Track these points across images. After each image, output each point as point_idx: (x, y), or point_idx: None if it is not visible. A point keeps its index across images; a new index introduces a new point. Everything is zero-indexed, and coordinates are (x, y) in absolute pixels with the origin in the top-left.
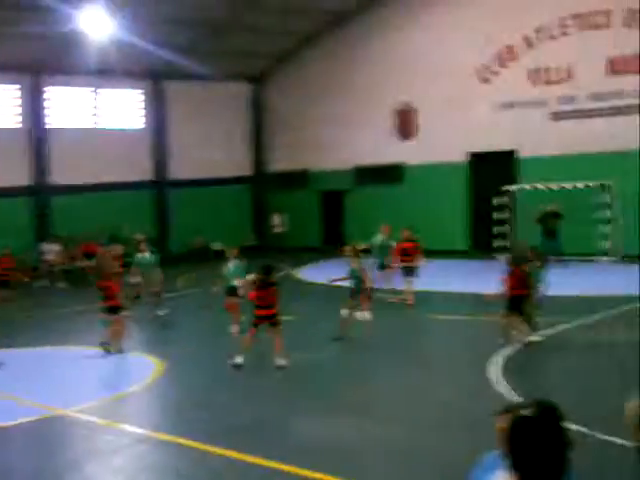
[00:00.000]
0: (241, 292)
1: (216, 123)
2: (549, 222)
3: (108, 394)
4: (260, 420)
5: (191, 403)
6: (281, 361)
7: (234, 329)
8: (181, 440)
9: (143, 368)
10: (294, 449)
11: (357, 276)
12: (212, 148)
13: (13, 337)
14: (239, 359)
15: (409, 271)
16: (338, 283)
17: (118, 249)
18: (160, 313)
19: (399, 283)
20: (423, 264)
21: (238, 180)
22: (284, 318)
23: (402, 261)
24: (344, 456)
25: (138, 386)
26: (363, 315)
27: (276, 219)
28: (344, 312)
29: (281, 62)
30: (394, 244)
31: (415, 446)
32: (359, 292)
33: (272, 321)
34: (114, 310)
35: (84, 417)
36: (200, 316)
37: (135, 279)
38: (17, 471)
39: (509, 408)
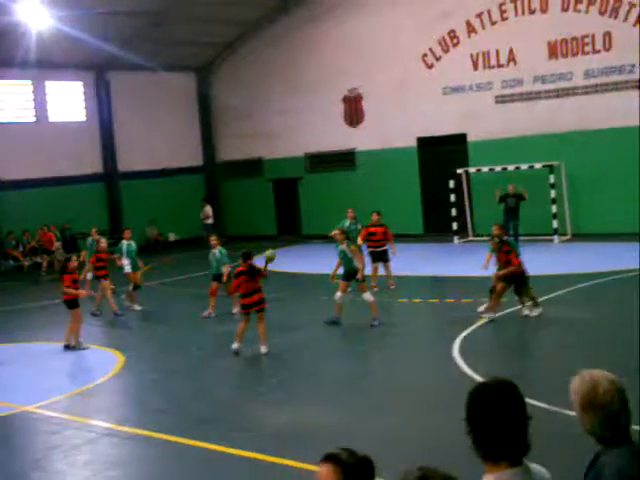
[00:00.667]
0: (224, 278)
1: (164, 114)
2: (508, 202)
3: (71, 389)
4: (224, 408)
5: (155, 395)
6: (263, 348)
7: (206, 313)
8: (147, 432)
9: (105, 362)
10: (259, 437)
11: (348, 258)
12: (161, 139)
13: None
14: (235, 345)
15: (380, 255)
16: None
17: (102, 242)
18: (137, 308)
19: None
20: (393, 248)
21: (190, 170)
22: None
23: (370, 246)
24: (310, 442)
25: (101, 380)
26: (367, 297)
27: (207, 210)
28: (338, 295)
29: (227, 51)
30: (360, 227)
31: (379, 428)
32: (353, 274)
33: (258, 307)
34: (70, 305)
35: (47, 413)
36: (163, 307)
37: (127, 268)
38: None
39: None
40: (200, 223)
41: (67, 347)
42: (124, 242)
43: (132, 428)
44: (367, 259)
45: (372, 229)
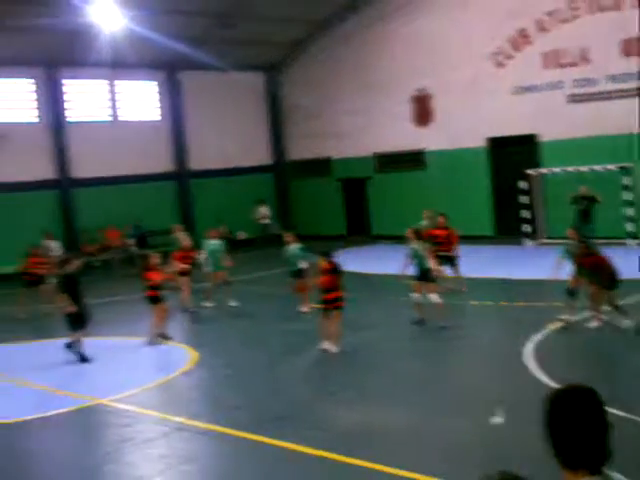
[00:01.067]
0: (307, 274)
1: (234, 113)
2: (580, 204)
3: (145, 383)
4: (296, 406)
5: (228, 391)
6: (334, 348)
7: (305, 308)
8: (220, 428)
9: (180, 357)
10: (331, 436)
11: (420, 256)
12: (232, 138)
13: (50, 329)
14: (326, 345)
15: (445, 258)
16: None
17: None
18: (233, 304)
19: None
20: (457, 252)
21: (259, 169)
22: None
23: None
24: (379, 442)
25: (175, 375)
26: (434, 298)
27: (262, 210)
28: (415, 296)
29: (297, 50)
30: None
31: (447, 431)
32: (426, 274)
33: (338, 304)
34: (153, 300)
35: (122, 406)
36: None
37: (208, 267)
38: (57, 461)
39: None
40: (257, 224)
41: (162, 337)
42: (209, 241)
43: (205, 423)
44: None
45: (435, 232)
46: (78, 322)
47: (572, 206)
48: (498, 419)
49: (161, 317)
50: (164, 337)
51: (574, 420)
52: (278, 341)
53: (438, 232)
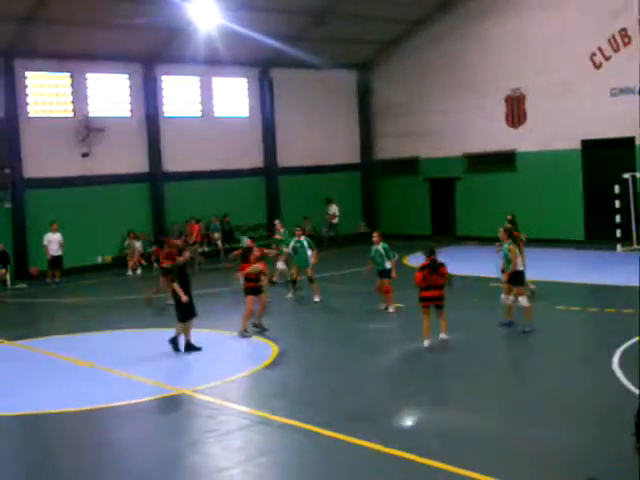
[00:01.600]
0: (394, 274)
1: (324, 110)
2: None
3: (228, 376)
4: (375, 406)
5: (307, 387)
6: (443, 335)
7: (391, 308)
8: (298, 423)
9: (261, 351)
10: (409, 436)
11: (508, 258)
12: (320, 135)
13: (142, 319)
14: (426, 342)
15: None
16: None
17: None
18: (316, 299)
19: None
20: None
21: (347, 167)
22: (399, 305)
23: None
24: (455, 446)
25: (256, 369)
26: (523, 301)
27: (333, 208)
28: (504, 297)
29: (389, 49)
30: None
31: (527, 438)
32: (514, 276)
33: (439, 303)
34: (252, 291)
35: (204, 398)
36: (312, 304)
37: (282, 265)
38: (140, 449)
39: None
40: (326, 222)
41: (258, 326)
42: (294, 238)
43: (284, 418)
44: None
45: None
46: (189, 312)
47: None
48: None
49: (261, 308)
50: (262, 328)
51: None
52: (360, 339)
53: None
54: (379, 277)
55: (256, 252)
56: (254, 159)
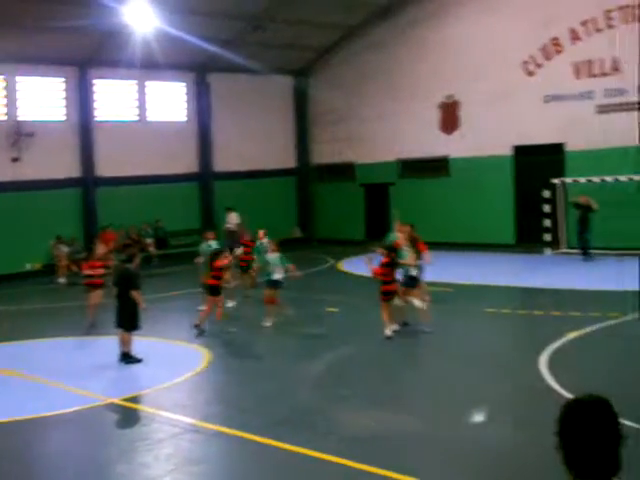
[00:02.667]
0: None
1: (261, 115)
2: (579, 213)
3: (158, 384)
4: (307, 411)
5: (239, 394)
6: (395, 327)
7: (268, 323)
8: (230, 430)
9: (192, 359)
10: (340, 441)
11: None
12: (257, 140)
13: (62, 327)
14: (388, 331)
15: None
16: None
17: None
18: (229, 305)
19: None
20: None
21: (283, 172)
22: (333, 309)
23: None
24: (388, 449)
25: (187, 376)
26: (416, 303)
27: (233, 217)
28: (398, 300)
29: (326, 55)
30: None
31: (458, 439)
32: (410, 280)
33: (393, 296)
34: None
35: (135, 406)
36: (248, 309)
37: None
38: (70, 459)
39: None
40: (224, 232)
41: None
42: (205, 243)
43: (216, 425)
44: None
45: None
46: (135, 321)
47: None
48: (478, 417)
49: (218, 311)
50: (200, 330)
51: (586, 431)
52: (293, 344)
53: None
54: (268, 287)
55: (224, 260)
56: (189, 164)
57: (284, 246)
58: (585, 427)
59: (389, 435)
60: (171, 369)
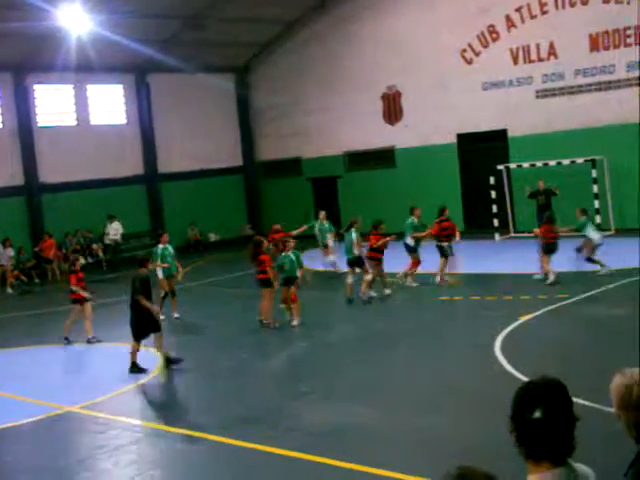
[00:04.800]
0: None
1: (203, 115)
2: (538, 199)
3: (115, 389)
4: (266, 408)
5: (198, 395)
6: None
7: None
8: (189, 432)
9: (148, 362)
10: (303, 437)
11: (349, 246)
12: (201, 140)
13: (18, 337)
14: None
15: (450, 249)
16: None
17: None
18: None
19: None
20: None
21: (229, 171)
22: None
23: (445, 240)
24: (351, 442)
25: (145, 380)
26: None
27: (114, 226)
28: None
29: (266, 50)
30: (427, 226)
31: (419, 429)
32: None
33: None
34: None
35: (92, 413)
36: (200, 309)
37: (160, 274)
38: (28, 471)
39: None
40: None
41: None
42: (160, 246)
43: (175, 428)
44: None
45: (445, 224)
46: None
47: (533, 200)
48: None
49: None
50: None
51: (539, 412)
52: (247, 342)
53: (448, 224)
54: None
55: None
56: (134, 166)
57: (236, 245)
58: (539, 409)
59: (349, 428)
60: (127, 374)
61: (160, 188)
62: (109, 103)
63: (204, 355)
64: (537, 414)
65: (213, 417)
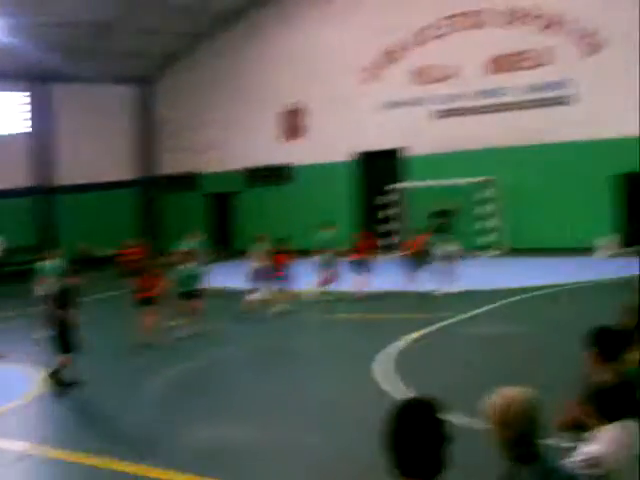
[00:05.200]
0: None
1: (104, 126)
2: (441, 219)
3: None
4: (147, 428)
5: (76, 415)
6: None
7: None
8: (67, 455)
9: (24, 381)
10: (182, 456)
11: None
12: (99, 152)
13: None
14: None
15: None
16: None
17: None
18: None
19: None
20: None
21: (127, 184)
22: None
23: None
24: (231, 460)
25: (20, 400)
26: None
27: None
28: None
29: (169, 63)
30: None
31: (299, 446)
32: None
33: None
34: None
35: None
36: (90, 324)
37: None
38: None
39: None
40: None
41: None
42: (47, 262)
43: (51, 449)
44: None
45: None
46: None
47: (430, 220)
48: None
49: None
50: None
51: (409, 431)
52: (130, 362)
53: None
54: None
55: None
56: (26, 178)
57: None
58: (408, 428)
59: (230, 447)
60: (3, 393)
61: (55, 201)
62: (7, 112)
63: (85, 372)
64: (405, 432)
65: (91, 438)
